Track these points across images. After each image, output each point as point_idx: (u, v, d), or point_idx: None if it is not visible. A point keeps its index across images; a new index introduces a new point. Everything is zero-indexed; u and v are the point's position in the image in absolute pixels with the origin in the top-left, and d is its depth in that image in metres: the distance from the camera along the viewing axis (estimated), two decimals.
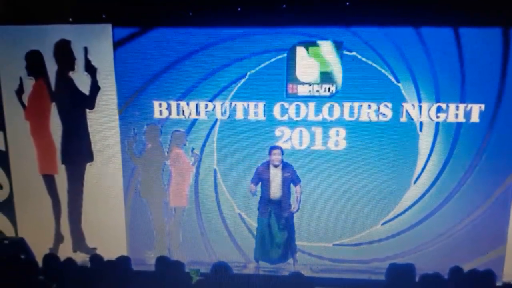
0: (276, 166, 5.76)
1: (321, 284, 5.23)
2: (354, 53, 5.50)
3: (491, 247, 5.89)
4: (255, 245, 6.05)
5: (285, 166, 5.78)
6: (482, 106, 5.49)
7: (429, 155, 5.72)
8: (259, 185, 5.87)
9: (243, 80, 5.69)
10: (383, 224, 5.96)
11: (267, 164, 5.80)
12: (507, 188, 5.72)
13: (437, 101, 5.55)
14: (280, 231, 5.91)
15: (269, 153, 5.76)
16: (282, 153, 5.75)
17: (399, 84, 5.54)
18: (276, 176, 5.78)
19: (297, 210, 5.91)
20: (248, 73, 5.66)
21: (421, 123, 5.63)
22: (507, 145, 5.59)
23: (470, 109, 5.51)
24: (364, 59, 5.50)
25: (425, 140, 5.68)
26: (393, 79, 5.53)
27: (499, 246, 5.88)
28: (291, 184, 5.84)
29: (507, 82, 5.41)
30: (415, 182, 5.81)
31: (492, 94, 5.46)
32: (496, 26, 5.29)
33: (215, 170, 6.02)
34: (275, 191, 5.82)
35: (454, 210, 5.84)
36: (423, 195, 5.85)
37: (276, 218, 5.88)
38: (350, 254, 6.09)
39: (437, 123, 5.62)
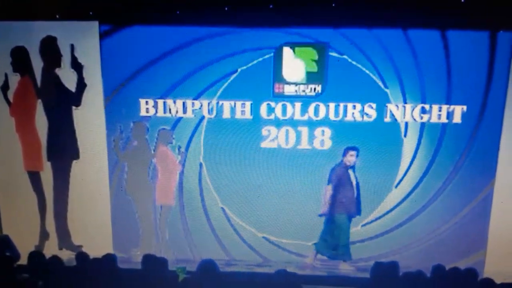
0: (350, 168, 5.84)
1: (306, 281, 5.29)
2: (338, 54, 5.56)
3: (472, 251, 5.98)
4: (320, 238, 6.07)
5: (353, 168, 5.88)
6: (464, 107, 5.59)
7: (412, 160, 5.81)
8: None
9: (231, 78, 5.72)
10: (363, 225, 6.03)
11: (342, 165, 5.84)
12: (487, 195, 5.82)
13: (422, 103, 5.63)
14: (349, 230, 6.02)
15: (344, 154, 5.81)
16: (358, 155, 5.82)
17: (387, 90, 5.62)
18: (353, 177, 5.88)
19: None
20: (239, 69, 5.68)
21: (406, 127, 5.71)
22: (488, 153, 5.70)
23: (453, 110, 5.61)
24: (349, 60, 5.56)
25: (408, 145, 5.76)
26: (376, 79, 5.60)
27: (479, 250, 5.98)
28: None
29: (492, 85, 5.50)
30: (396, 186, 5.90)
31: (477, 97, 5.54)
32: (483, 29, 5.38)
33: (200, 164, 6.03)
34: (354, 192, 5.91)
35: (434, 215, 5.93)
36: (404, 199, 5.94)
37: (349, 218, 5.98)
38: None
39: (422, 129, 5.70)
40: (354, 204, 5.95)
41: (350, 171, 5.86)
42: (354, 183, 5.89)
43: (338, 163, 5.85)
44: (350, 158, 5.80)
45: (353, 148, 5.78)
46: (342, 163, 5.84)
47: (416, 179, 5.86)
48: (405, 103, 5.63)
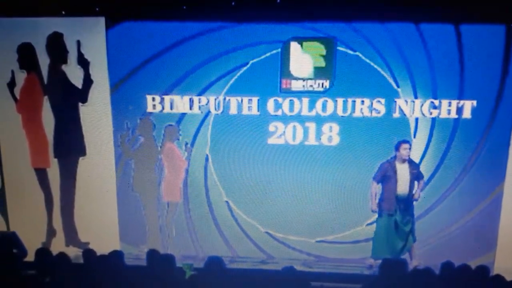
0: (403, 162, 5.70)
1: (314, 278, 5.26)
2: (348, 49, 5.51)
3: (481, 252, 5.90)
4: (374, 243, 5.94)
5: (411, 162, 5.73)
6: (474, 102, 5.52)
7: (421, 159, 5.78)
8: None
9: (237, 74, 5.68)
10: (368, 225, 5.99)
11: (393, 160, 5.72)
12: (497, 196, 5.77)
13: (433, 98, 5.57)
14: (404, 225, 5.83)
15: (397, 148, 5.67)
16: (410, 148, 5.69)
17: (399, 89, 5.58)
18: (404, 172, 5.71)
19: (417, 199, 5.85)
20: (250, 62, 5.64)
21: (415, 129, 5.67)
22: (499, 149, 5.65)
23: (463, 105, 5.54)
24: (362, 57, 5.51)
25: (418, 145, 5.73)
26: (388, 77, 5.55)
27: (488, 252, 5.92)
28: (415, 180, 5.79)
29: (507, 80, 5.44)
30: None
31: (489, 92, 5.48)
32: (499, 23, 5.30)
33: (206, 156, 6.00)
34: (403, 188, 5.75)
35: (443, 215, 5.89)
36: None
37: (402, 214, 5.81)
38: (333, 251, 6.12)
39: (431, 130, 5.66)
40: (407, 198, 5.79)
41: (403, 165, 5.70)
42: (408, 177, 5.71)
43: (388, 159, 5.74)
44: (404, 151, 5.64)
45: (406, 141, 5.66)
46: (395, 157, 5.71)
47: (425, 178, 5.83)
48: (416, 98, 5.58)
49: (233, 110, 5.78)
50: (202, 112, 5.84)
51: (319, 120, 5.73)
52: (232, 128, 5.85)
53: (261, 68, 5.62)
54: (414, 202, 5.86)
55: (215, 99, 5.77)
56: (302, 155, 5.84)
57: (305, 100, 5.69)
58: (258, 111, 5.76)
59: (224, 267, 4.25)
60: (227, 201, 6.10)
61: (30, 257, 4.71)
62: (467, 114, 5.56)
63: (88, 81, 5.88)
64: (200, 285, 4.23)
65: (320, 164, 5.85)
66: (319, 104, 5.68)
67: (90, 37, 5.75)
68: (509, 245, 5.87)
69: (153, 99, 5.84)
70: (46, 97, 6.00)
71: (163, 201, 6.19)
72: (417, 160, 5.75)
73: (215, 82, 5.74)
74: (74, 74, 5.87)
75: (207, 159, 6.00)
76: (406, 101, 5.58)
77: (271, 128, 5.80)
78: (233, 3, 5.38)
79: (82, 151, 6.09)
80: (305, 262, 6.08)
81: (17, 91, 5.99)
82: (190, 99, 5.80)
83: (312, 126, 5.75)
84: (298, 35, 5.50)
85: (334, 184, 5.91)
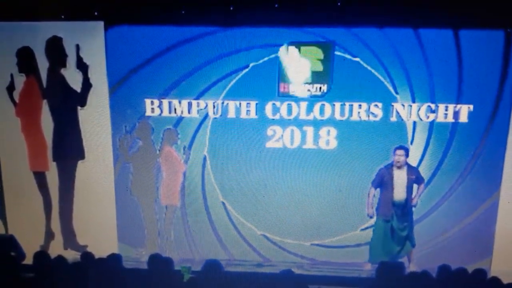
0: (399, 168, 5.71)
1: (311, 282, 5.27)
2: (346, 54, 5.54)
3: (477, 258, 5.91)
4: (371, 248, 5.97)
5: (410, 168, 5.72)
6: (471, 106, 5.54)
7: (419, 163, 5.80)
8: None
9: (236, 78, 5.71)
10: (362, 230, 6.01)
11: (390, 166, 5.73)
12: (492, 204, 5.79)
13: (430, 102, 5.60)
14: (401, 231, 5.84)
15: (394, 154, 5.70)
16: (407, 155, 5.69)
17: (397, 96, 5.61)
18: (401, 178, 5.72)
19: (416, 205, 5.86)
20: (251, 64, 5.66)
21: (413, 133, 5.69)
22: (493, 163, 5.69)
23: (459, 110, 5.57)
24: (357, 59, 5.53)
25: (416, 149, 5.75)
26: (387, 84, 5.58)
27: (485, 257, 5.93)
28: (414, 184, 5.78)
29: (505, 84, 5.46)
30: None
31: (486, 96, 5.50)
32: (498, 28, 5.33)
33: (204, 158, 6.01)
34: (400, 194, 5.77)
35: (440, 220, 5.90)
36: None
37: (398, 219, 5.82)
38: (328, 255, 6.14)
39: (428, 137, 5.68)
40: (405, 205, 5.81)
41: (399, 172, 5.72)
42: (405, 183, 5.73)
43: (386, 165, 5.76)
44: (399, 157, 5.66)
45: (401, 147, 5.68)
46: (393, 163, 5.72)
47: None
48: (413, 102, 5.61)
49: (231, 114, 5.80)
50: (200, 116, 5.86)
51: (317, 124, 5.75)
52: (230, 132, 5.87)
53: (259, 72, 5.65)
54: (413, 208, 5.87)
55: (214, 103, 5.79)
56: (300, 158, 5.86)
57: (303, 104, 5.72)
58: (256, 115, 5.78)
59: (222, 270, 4.27)
60: (223, 202, 6.11)
61: (29, 260, 4.71)
62: (463, 118, 5.58)
63: (87, 85, 5.89)
64: None
65: (317, 168, 5.87)
66: (316, 108, 5.70)
67: (89, 41, 5.77)
68: (506, 249, 5.89)
69: (152, 103, 5.86)
70: (45, 101, 6.01)
71: (162, 205, 6.20)
72: (414, 164, 5.77)
73: (213, 86, 5.76)
74: (73, 78, 5.89)
75: (205, 163, 6.01)
76: (403, 105, 5.61)
77: (269, 132, 5.82)
78: (231, 8, 5.41)
79: (80, 155, 6.10)
80: (300, 265, 6.09)
81: (16, 94, 6.00)
82: (188, 102, 5.82)
83: (310, 130, 5.77)
84: (296, 39, 5.53)
85: (331, 188, 5.92)
